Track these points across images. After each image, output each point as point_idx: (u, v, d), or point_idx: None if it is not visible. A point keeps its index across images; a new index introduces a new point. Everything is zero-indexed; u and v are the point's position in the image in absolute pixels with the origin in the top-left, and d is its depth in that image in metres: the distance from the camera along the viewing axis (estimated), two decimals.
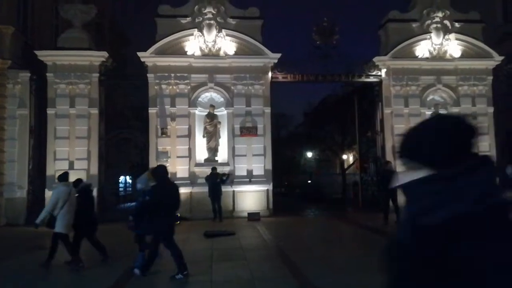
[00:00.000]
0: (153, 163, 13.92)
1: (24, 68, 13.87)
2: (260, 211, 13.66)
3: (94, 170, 13.71)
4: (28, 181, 13.76)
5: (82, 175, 13.36)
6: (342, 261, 7.22)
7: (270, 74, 14.74)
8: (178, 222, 10.22)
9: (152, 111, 14.13)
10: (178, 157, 13.93)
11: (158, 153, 13.88)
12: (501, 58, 15.35)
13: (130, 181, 19.07)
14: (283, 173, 38.98)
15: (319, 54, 14.99)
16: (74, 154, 13.56)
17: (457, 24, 15.45)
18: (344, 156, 31.89)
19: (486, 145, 15.05)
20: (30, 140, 13.92)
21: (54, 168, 13.39)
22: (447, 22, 15.31)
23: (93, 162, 13.76)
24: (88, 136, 13.75)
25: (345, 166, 31.27)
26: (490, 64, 15.37)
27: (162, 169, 6.53)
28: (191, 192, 13.80)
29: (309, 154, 38.43)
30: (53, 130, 13.60)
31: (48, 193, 13.08)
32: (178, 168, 13.84)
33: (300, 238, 10.25)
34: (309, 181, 36.03)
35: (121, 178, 17.85)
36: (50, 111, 13.70)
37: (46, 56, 13.75)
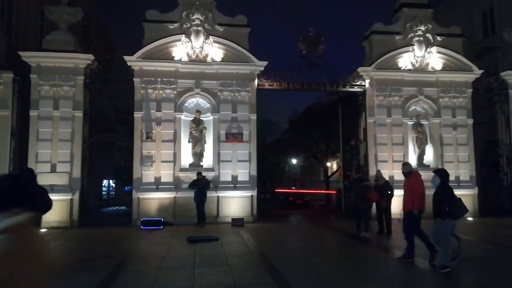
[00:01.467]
0: (137, 167, 13.89)
1: (7, 69, 13.67)
2: (244, 217, 13.71)
3: (77, 173, 13.56)
4: None
5: (65, 178, 13.29)
6: (325, 268, 7.33)
7: (256, 81, 14.89)
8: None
9: (137, 115, 14.08)
10: (162, 161, 13.90)
11: (142, 157, 13.82)
12: (481, 71, 15.87)
13: (114, 185, 18.88)
14: (268, 179, 39.12)
15: (305, 63, 15.23)
16: (56, 157, 13.38)
17: (438, 38, 15.92)
18: (328, 164, 32.23)
19: (465, 156, 15.52)
20: (11, 142, 13.68)
21: (36, 170, 13.15)
22: (429, 35, 15.76)
23: (76, 165, 13.60)
24: (72, 139, 13.59)
25: (329, 173, 31.60)
26: (470, 77, 15.86)
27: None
28: (175, 197, 13.77)
29: (294, 161, 38.68)
30: (36, 132, 13.40)
31: None
32: (162, 173, 13.81)
33: (283, 245, 10.34)
34: (293, 188, 36.19)
35: (105, 182, 17.64)
36: (33, 113, 13.50)
37: (30, 57, 13.58)
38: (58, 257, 8.72)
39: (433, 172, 7.37)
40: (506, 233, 11.64)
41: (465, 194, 15.17)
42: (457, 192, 16.04)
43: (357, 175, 12.88)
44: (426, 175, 15.13)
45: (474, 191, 15.34)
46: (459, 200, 6.88)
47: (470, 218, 14.68)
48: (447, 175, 7.10)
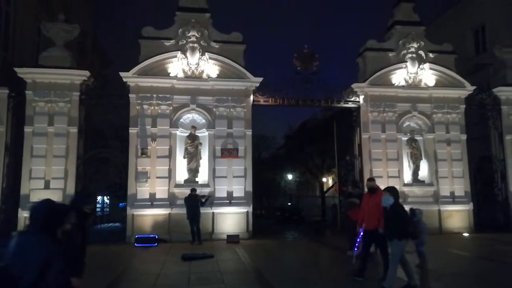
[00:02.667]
0: (132, 183, 13.80)
1: (2, 84, 13.67)
2: (240, 233, 13.61)
3: (71, 189, 13.43)
4: (1, 200, 13.36)
5: (58, 195, 13.16)
6: (320, 285, 7.26)
7: (251, 97, 14.98)
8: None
9: (132, 131, 14.07)
10: (157, 177, 13.84)
11: (137, 174, 13.76)
12: (473, 88, 16.08)
13: (108, 201, 18.71)
14: (264, 195, 38.99)
15: (299, 79, 15.36)
16: (50, 173, 13.28)
17: (431, 55, 16.17)
18: (324, 179, 32.24)
19: (460, 171, 15.59)
20: (5, 158, 13.59)
21: (29, 187, 13.09)
22: (421, 52, 16.00)
23: (70, 181, 13.49)
24: (66, 155, 13.52)
25: (325, 189, 31.58)
26: (462, 93, 16.06)
27: None
28: (169, 214, 13.66)
29: (290, 176, 38.66)
30: (30, 148, 13.32)
31: (22, 213, 12.75)
32: (157, 189, 13.73)
33: (279, 262, 10.25)
34: (289, 203, 36.05)
35: (99, 198, 17.50)
36: (27, 129, 13.45)
37: (26, 73, 13.60)
38: None
39: (383, 190, 6.96)
40: (501, 249, 11.62)
41: (460, 210, 15.30)
42: (453, 208, 16.27)
43: (355, 189, 12.78)
44: (422, 191, 15.38)
45: (469, 207, 15.36)
46: (411, 218, 6.66)
47: (465, 234, 14.68)
48: (398, 193, 6.82)
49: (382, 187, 15.15)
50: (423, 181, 15.51)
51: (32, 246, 2.57)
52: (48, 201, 2.85)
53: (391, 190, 6.71)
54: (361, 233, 7.73)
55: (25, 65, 14.06)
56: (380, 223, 6.98)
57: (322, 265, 10.17)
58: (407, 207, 7.70)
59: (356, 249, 8.49)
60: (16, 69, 13.52)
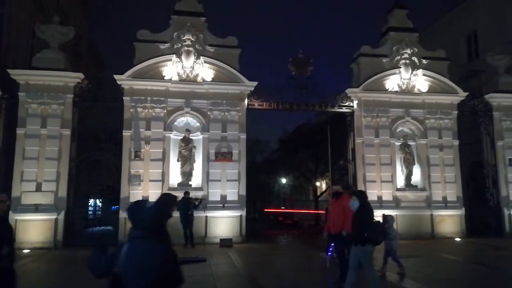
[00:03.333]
0: (125, 186, 13.73)
1: None
2: (233, 237, 13.57)
3: (63, 192, 13.34)
4: None
5: (50, 197, 13.06)
6: None
7: (246, 101, 15.00)
8: None
9: (126, 133, 14.01)
10: (151, 180, 13.77)
11: (130, 176, 13.69)
12: (465, 94, 16.24)
13: (100, 204, 18.58)
14: (257, 199, 38.96)
15: (294, 84, 15.41)
16: (42, 176, 13.16)
17: (424, 61, 16.32)
18: (318, 183, 32.31)
19: (452, 177, 15.71)
20: None
21: (20, 189, 12.96)
22: (415, 58, 16.15)
23: (62, 184, 13.38)
24: (59, 157, 13.42)
25: (318, 193, 31.63)
26: (455, 99, 16.21)
27: None
28: None
29: (283, 180, 38.69)
30: (22, 150, 13.20)
31: (12, 215, 12.60)
32: (150, 192, 13.66)
33: (272, 266, 10.23)
34: (283, 207, 36.06)
35: (91, 201, 17.36)
36: (19, 131, 13.33)
37: (19, 75, 13.51)
38: (40, 280, 8.52)
39: (351, 194, 6.84)
40: (493, 254, 11.71)
41: (453, 215, 15.40)
42: (445, 213, 16.34)
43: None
44: (414, 196, 15.47)
45: (461, 212, 15.47)
46: (378, 224, 6.31)
47: (457, 239, 14.77)
48: (366, 197, 6.49)
49: (375, 191, 15.41)
50: (416, 186, 15.61)
51: (146, 253, 2.52)
52: (156, 205, 2.76)
53: (358, 193, 6.61)
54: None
55: (19, 67, 13.97)
56: (345, 226, 6.95)
57: (315, 269, 10.16)
58: (380, 213, 7.62)
59: (330, 253, 8.47)
60: (10, 71, 13.42)
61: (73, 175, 13.84)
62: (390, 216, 8.78)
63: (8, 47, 15.47)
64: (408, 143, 15.76)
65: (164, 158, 14.09)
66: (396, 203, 15.19)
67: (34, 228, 12.69)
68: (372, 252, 6.12)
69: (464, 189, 15.93)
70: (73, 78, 13.91)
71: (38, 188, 13.05)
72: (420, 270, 8.90)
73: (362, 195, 6.48)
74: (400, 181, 15.59)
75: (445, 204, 15.42)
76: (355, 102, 15.75)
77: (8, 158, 13.53)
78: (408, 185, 15.50)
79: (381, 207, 14.85)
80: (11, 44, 15.60)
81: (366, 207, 6.19)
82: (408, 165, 15.56)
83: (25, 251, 11.79)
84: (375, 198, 14.91)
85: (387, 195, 15.15)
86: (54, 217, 12.95)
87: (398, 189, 15.37)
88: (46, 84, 13.56)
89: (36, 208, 12.77)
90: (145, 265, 2.48)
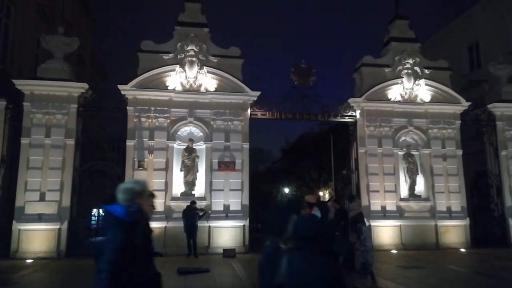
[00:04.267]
0: None
1: (0, 96, 13.68)
2: (236, 247, 13.52)
3: (66, 202, 13.35)
4: None
5: (54, 207, 13.07)
6: None
7: (249, 110, 15.06)
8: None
9: (129, 143, 14.06)
10: (154, 190, 13.64)
11: None
12: (468, 103, 16.25)
13: (103, 214, 18.57)
14: (260, 209, 38.80)
15: (296, 94, 15.46)
16: (46, 185, 13.18)
17: (426, 71, 16.38)
18: (321, 193, 32.21)
19: (456, 186, 15.65)
20: (0, 169, 13.52)
21: (24, 199, 12.99)
22: (417, 68, 16.21)
23: (66, 193, 13.40)
24: (62, 167, 13.47)
25: None
26: (458, 109, 16.21)
27: None
28: (165, 227, 13.56)
29: (286, 190, 38.57)
30: (26, 160, 13.25)
31: (16, 225, 12.64)
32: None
33: None
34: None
35: (94, 211, 17.35)
36: (24, 141, 13.40)
37: (24, 85, 13.62)
38: None
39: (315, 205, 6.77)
40: (499, 264, 11.60)
41: (457, 225, 15.30)
42: (449, 223, 16.26)
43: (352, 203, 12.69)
44: (418, 206, 15.39)
45: (465, 222, 15.37)
46: (340, 236, 6.32)
47: (462, 249, 14.65)
48: (328, 208, 6.49)
49: (379, 201, 15.34)
50: (420, 196, 15.54)
51: (312, 266, 2.48)
52: (314, 217, 2.75)
53: (320, 204, 6.36)
54: None
55: (24, 77, 14.11)
56: None
57: None
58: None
59: None
60: (14, 81, 13.54)
61: (77, 184, 13.87)
62: (366, 227, 8.44)
63: (13, 58, 15.64)
64: (411, 152, 15.74)
65: (167, 168, 14.12)
66: (400, 213, 15.12)
67: (37, 238, 12.70)
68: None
69: (468, 199, 15.85)
70: (78, 88, 14.02)
71: (42, 198, 13.07)
72: (424, 281, 8.83)
73: (324, 207, 6.25)
74: (404, 191, 15.53)
75: (449, 214, 15.33)
76: (358, 112, 15.77)
77: (12, 167, 13.59)
78: (412, 195, 15.43)
79: (385, 217, 14.83)
80: (16, 54, 15.78)
81: (327, 218, 6.00)
82: (412, 175, 15.52)
83: (28, 260, 11.78)
84: (379, 208, 14.87)
85: (390, 205, 15.08)
86: (58, 226, 12.95)
87: (402, 199, 15.31)
88: (51, 94, 13.67)
89: (40, 218, 12.78)
90: (312, 277, 2.43)
